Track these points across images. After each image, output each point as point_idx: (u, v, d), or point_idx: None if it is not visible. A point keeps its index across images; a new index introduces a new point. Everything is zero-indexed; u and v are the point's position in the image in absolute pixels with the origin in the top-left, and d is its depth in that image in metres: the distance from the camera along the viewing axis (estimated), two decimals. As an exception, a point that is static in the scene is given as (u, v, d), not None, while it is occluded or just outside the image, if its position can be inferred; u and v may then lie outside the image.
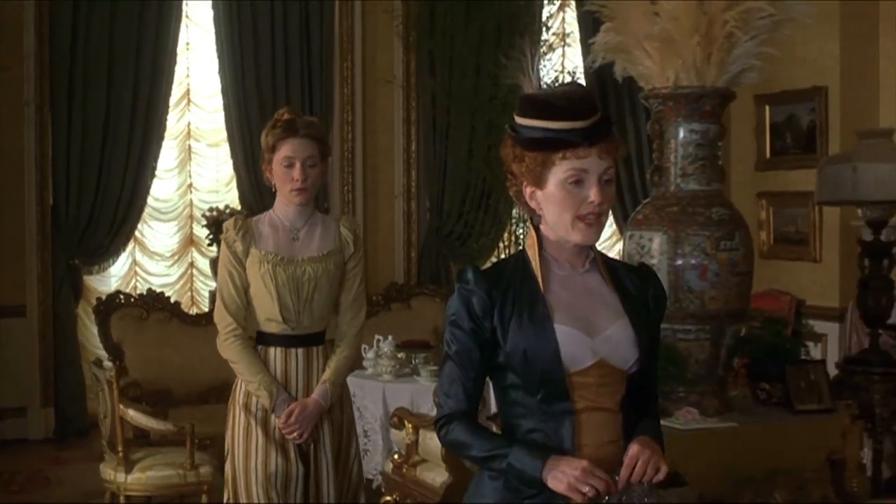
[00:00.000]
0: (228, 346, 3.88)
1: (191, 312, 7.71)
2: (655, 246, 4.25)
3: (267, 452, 3.83)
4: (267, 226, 3.94)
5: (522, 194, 2.47)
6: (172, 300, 7.47)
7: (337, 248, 3.99)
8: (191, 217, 8.99)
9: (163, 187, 8.89)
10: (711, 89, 4.25)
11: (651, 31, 4.23)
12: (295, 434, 3.82)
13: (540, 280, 2.45)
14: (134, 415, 5.31)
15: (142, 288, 8.47)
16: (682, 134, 4.32)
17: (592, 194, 2.37)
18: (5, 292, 8.01)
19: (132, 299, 7.19)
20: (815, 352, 5.69)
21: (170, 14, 8.46)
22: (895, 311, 5.96)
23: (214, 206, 8.46)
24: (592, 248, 2.52)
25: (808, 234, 7.85)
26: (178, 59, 8.65)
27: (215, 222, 8.18)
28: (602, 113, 2.41)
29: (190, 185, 9.05)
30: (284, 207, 3.95)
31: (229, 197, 8.87)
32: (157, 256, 8.96)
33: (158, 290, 7.65)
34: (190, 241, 9.00)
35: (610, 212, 2.51)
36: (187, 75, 8.93)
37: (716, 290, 4.19)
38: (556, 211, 2.41)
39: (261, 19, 8.64)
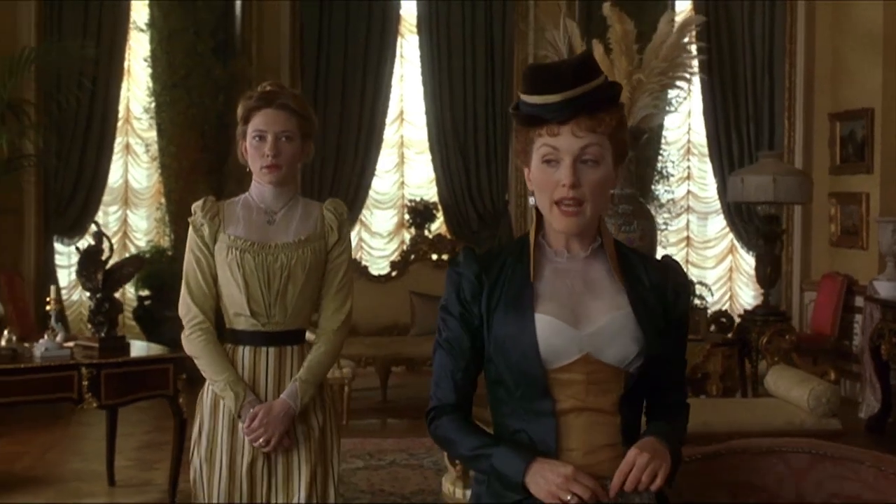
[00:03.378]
0: (192, 341, 3.43)
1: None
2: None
3: (232, 459, 3.41)
4: (240, 208, 3.48)
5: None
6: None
7: (317, 234, 3.46)
8: (403, 206, 11.75)
9: (382, 183, 11.69)
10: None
11: None
12: (261, 440, 3.34)
13: (531, 266, 2.26)
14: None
15: (367, 259, 11.45)
16: None
17: (563, 176, 2.17)
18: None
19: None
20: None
21: (388, 53, 11.33)
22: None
23: (418, 198, 11.34)
24: (601, 233, 2.30)
25: (859, 227, 9.71)
26: (394, 87, 11.41)
27: (414, 210, 11.11)
28: (598, 84, 2.18)
29: (402, 182, 11.80)
30: (259, 188, 3.49)
31: (431, 192, 11.64)
32: (377, 235, 11.89)
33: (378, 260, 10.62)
34: (402, 224, 11.83)
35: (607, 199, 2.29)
36: (401, 99, 11.66)
37: None
38: (537, 193, 2.25)
39: (455, 55, 11.22)
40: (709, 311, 7.25)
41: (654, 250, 6.64)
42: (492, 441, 2.26)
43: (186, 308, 3.45)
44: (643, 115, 6.57)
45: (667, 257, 2.43)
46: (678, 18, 7.11)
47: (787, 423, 5.67)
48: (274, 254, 3.40)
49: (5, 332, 5.63)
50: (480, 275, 2.29)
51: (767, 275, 7.62)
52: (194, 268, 3.45)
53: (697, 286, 7.86)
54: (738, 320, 7.91)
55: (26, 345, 5.73)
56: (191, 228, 3.49)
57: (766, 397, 6.24)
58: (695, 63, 6.45)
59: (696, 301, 6.77)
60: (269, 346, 3.43)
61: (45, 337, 5.58)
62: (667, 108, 6.54)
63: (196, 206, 3.50)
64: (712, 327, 7.30)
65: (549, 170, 2.20)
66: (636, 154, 6.77)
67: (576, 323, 2.21)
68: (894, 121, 9.40)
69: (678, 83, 6.55)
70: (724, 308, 10.46)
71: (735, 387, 7.11)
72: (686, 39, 6.56)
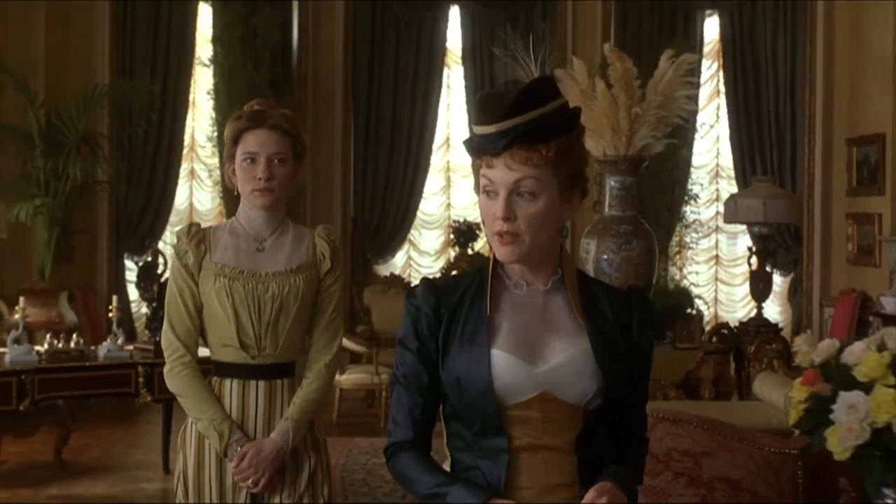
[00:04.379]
0: (175, 377, 3.25)
1: (420, 290, 11.37)
2: (591, 248, 7.37)
3: (222, 498, 3.24)
4: (227, 234, 3.31)
5: None
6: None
7: (310, 262, 3.31)
8: (449, 227, 12.57)
9: (429, 205, 12.48)
10: (625, 156, 7.24)
11: (588, 124, 7.31)
12: (249, 481, 3.18)
13: (488, 299, 2.21)
14: (346, 342, 9.11)
15: (415, 276, 12.25)
16: (611, 183, 7.31)
17: (498, 209, 2.12)
18: (321, 275, 12.04)
19: (380, 279, 11.03)
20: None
21: (435, 84, 12.11)
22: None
23: (461, 219, 12.15)
24: (562, 265, 2.25)
25: (873, 246, 10.28)
26: (441, 115, 12.19)
27: (458, 230, 11.91)
28: (540, 112, 2.10)
29: (448, 204, 12.61)
30: (248, 213, 3.31)
31: (475, 213, 12.41)
32: (425, 254, 12.68)
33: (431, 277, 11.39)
34: (448, 244, 12.60)
35: (539, 233, 2.17)
36: (447, 126, 12.43)
37: (619, 273, 7.21)
38: (484, 223, 2.21)
39: (497, 84, 12.07)
40: (705, 321, 7.96)
41: (653, 267, 7.31)
42: (448, 480, 2.19)
43: (168, 342, 3.26)
44: (643, 145, 7.26)
45: (633, 289, 2.37)
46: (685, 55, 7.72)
47: (764, 423, 6.29)
48: (265, 283, 3.24)
49: (74, 336, 6.51)
50: (438, 308, 2.22)
51: (759, 290, 8.27)
52: (177, 299, 3.26)
53: (696, 299, 8.55)
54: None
55: (93, 347, 6.62)
56: (173, 256, 3.33)
57: (754, 401, 6.87)
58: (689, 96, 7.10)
59: (692, 311, 7.48)
60: (258, 380, 3.25)
61: (108, 340, 6.47)
62: (665, 138, 7.19)
63: (180, 233, 3.33)
64: (714, 338, 7.98)
65: (488, 201, 2.15)
66: (638, 179, 7.44)
67: (533, 359, 2.16)
68: (905, 145, 9.96)
69: (677, 115, 7.22)
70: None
71: (729, 391, 7.75)
72: (682, 75, 7.24)
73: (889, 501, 2.53)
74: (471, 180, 11.03)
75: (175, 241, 3.33)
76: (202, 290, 3.24)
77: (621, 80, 7.14)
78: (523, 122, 2.09)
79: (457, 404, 2.21)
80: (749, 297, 11.85)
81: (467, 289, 2.26)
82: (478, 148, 2.15)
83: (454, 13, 12.18)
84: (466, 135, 2.24)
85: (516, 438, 2.16)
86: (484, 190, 2.16)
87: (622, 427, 2.27)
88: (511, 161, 2.10)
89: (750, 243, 11.58)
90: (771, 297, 11.64)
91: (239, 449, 3.19)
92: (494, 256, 2.23)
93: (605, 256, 7.28)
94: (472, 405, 2.17)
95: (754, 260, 8.31)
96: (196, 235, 3.28)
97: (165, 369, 3.28)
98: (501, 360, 2.15)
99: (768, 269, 8.49)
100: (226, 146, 3.30)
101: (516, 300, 2.23)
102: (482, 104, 2.17)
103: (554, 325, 2.21)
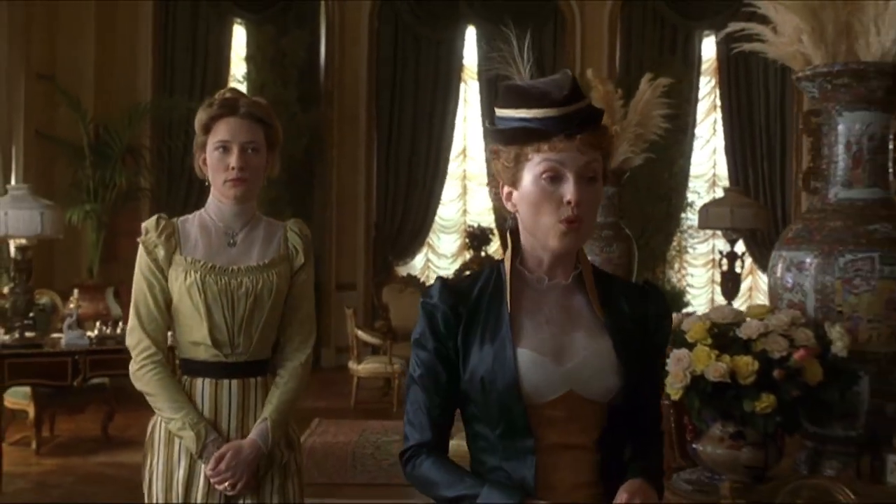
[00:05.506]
0: (144, 376, 3.06)
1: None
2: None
3: (187, 498, 3.08)
4: (196, 227, 3.16)
5: (500, 196, 2.16)
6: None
7: (282, 257, 3.18)
8: (465, 231, 13.38)
9: (447, 210, 13.37)
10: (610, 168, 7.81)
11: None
12: (226, 484, 3.04)
13: (508, 297, 2.13)
14: (361, 334, 10.05)
15: (432, 277, 13.18)
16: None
17: (569, 193, 2.02)
18: (345, 275, 13.03)
19: (398, 278, 11.99)
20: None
21: (452, 98, 13.02)
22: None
23: (476, 224, 13.07)
24: (580, 260, 2.17)
25: None
26: (458, 126, 13.12)
27: (472, 234, 12.83)
28: (586, 101, 2.07)
29: (465, 210, 13.52)
30: (218, 205, 3.16)
31: (490, 218, 13.32)
32: (443, 256, 13.57)
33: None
34: (464, 247, 13.51)
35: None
36: (464, 137, 13.37)
37: None
38: (532, 213, 2.07)
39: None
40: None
41: (632, 268, 8.17)
42: (476, 481, 2.09)
43: (137, 339, 3.08)
44: (623, 159, 8.14)
45: (647, 283, 2.29)
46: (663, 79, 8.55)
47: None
48: (238, 278, 3.09)
49: (120, 324, 7.48)
50: (456, 306, 2.14)
51: (729, 289, 9.12)
52: (145, 293, 3.09)
53: (689, 299, 9.43)
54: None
55: (135, 334, 7.60)
56: (141, 250, 3.13)
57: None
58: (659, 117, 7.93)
59: (684, 311, 8.26)
60: (231, 379, 3.09)
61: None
62: (644, 153, 8.02)
63: (148, 225, 3.15)
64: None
65: (549, 187, 2.04)
66: (619, 190, 8.31)
67: (558, 357, 2.08)
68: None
69: (654, 132, 8.07)
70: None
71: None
72: (659, 96, 8.09)
73: (714, 430, 3.45)
74: (485, 188, 11.89)
75: (143, 233, 3.14)
76: (172, 286, 3.08)
77: (603, 102, 8.03)
78: (585, 106, 2.07)
79: (480, 405, 2.11)
80: (744, 298, 12.75)
81: (484, 286, 2.18)
82: (535, 131, 2.05)
83: (470, 32, 13.14)
84: (497, 125, 2.14)
85: (543, 438, 2.09)
86: (546, 176, 2.05)
87: (640, 422, 2.19)
88: (581, 144, 2.04)
89: (744, 248, 12.49)
90: (763, 298, 12.52)
91: (215, 451, 3.04)
92: (512, 252, 2.18)
93: (590, 257, 8.10)
94: (498, 406, 2.08)
95: (725, 262, 9.17)
96: (165, 229, 3.12)
97: (133, 368, 3.09)
98: (528, 360, 2.07)
99: (738, 270, 9.31)
100: (196, 135, 3.15)
101: (537, 296, 2.16)
102: (530, 89, 2.07)
103: (575, 321, 2.14)
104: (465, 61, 13.21)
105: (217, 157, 3.09)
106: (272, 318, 3.16)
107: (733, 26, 3.76)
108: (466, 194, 13.60)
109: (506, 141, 2.10)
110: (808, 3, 3.41)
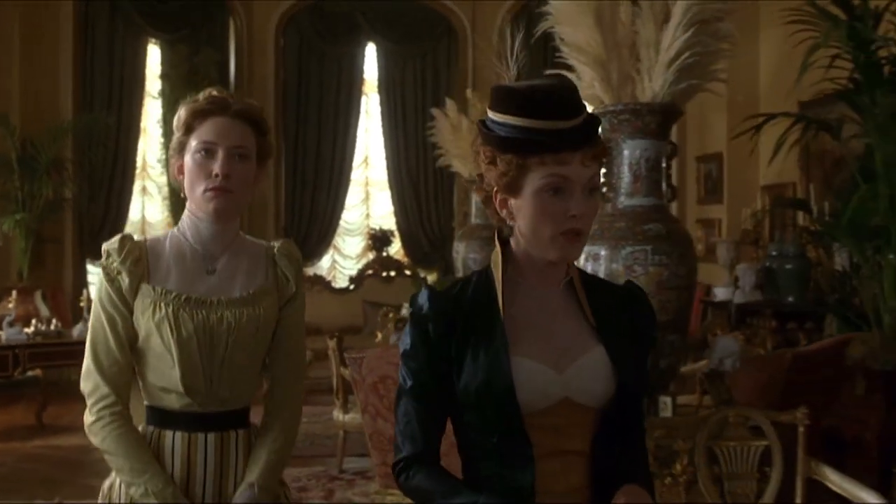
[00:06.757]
0: (101, 430, 2.53)
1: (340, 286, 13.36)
2: (461, 249, 9.31)
3: None
4: (168, 250, 2.62)
5: (492, 201, 2.10)
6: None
7: (270, 287, 2.65)
8: (368, 233, 14.36)
9: (351, 215, 14.32)
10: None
11: (457, 151, 9.24)
12: None
13: (501, 304, 2.08)
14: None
15: (340, 276, 14.22)
16: (475, 198, 9.10)
17: (574, 206, 2.01)
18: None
19: (305, 278, 12.99)
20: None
21: (354, 109, 13.99)
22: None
23: (378, 227, 14.12)
24: (569, 266, 2.16)
25: (715, 246, 12.36)
26: (360, 136, 14.12)
27: (374, 237, 13.88)
28: (588, 113, 2.03)
29: (368, 214, 14.45)
30: (195, 223, 2.61)
31: (391, 221, 14.31)
32: (348, 257, 14.48)
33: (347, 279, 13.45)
34: (368, 248, 14.50)
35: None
36: (366, 147, 14.36)
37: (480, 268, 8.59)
38: (532, 224, 2.04)
39: (408, 109, 13.96)
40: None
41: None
42: (472, 493, 2.06)
43: (93, 385, 2.56)
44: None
45: (631, 284, 2.29)
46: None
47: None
48: (217, 312, 2.57)
49: (53, 321, 8.42)
50: (447, 314, 2.09)
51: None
52: (105, 330, 2.55)
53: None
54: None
55: (65, 330, 8.53)
56: (102, 277, 2.60)
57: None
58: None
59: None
60: (207, 432, 2.58)
61: (81, 323, 8.39)
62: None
63: (109, 247, 2.59)
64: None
65: (553, 199, 2.00)
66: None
67: (554, 364, 2.07)
68: (736, 162, 12.04)
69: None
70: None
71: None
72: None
73: (663, 403, 4.39)
74: (385, 193, 13.13)
75: (104, 258, 2.58)
76: (138, 322, 2.55)
77: (480, 117, 9.14)
78: (588, 119, 2.04)
79: (477, 414, 2.07)
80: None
81: (475, 294, 2.13)
82: (543, 143, 1.99)
83: (370, 49, 14.16)
84: (490, 130, 2.06)
85: (539, 445, 2.06)
86: (551, 188, 2.01)
87: (626, 423, 2.17)
88: (587, 157, 2.01)
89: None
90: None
91: None
92: (502, 259, 2.13)
93: (472, 256, 9.20)
94: (495, 414, 2.05)
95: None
96: (131, 252, 2.58)
97: (88, 420, 2.57)
98: (523, 367, 2.04)
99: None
100: (175, 136, 2.64)
101: (528, 303, 2.12)
102: (536, 97, 2.00)
103: (568, 327, 2.12)
104: (365, 75, 14.20)
105: (198, 160, 2.55)
106: (255, 360, 2.64)
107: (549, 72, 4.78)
108: (369, 199, 14.60)
109: (504, 148, 2.02)
110: (599, 57, 4.52)
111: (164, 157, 12.88)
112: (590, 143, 2.01)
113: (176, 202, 12.62)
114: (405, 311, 9.50)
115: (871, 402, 4.35)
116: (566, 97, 2.01)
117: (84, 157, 12.25)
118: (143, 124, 13.15)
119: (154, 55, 13.16)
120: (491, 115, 2.04)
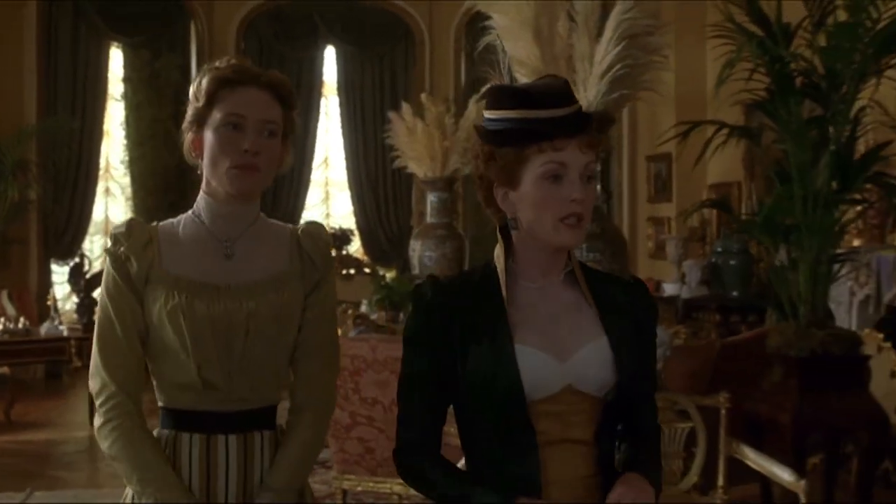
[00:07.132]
0: (110, 433, 2.30)
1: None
2: (417, 247, 9.53)
3: None
4: (182, 234, 2.39)
5: (493, 198, 2.13)
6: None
7: (294, 271, 2.41)
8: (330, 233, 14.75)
9: (312, 214, 14.44)
10: (441, 177, 9.10)
11: (412, 153, 9.43)
12: None
13: (504, 294, 2.12)
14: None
15: (301, 274, 14.41)
16: (431, 198, 9.22)
17: (574, 191, 2.04)
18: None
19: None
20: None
21: (314, 111, 14.24)
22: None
23: (338, 226, 14.43)
24: (571, 257, 2.19)
25: (664, 244, 12.76)
26: (319, 138, 14.43)
27: (334, 235, 14.15)
28: (580, 105, 2.10)
29: (328, 213, 14.74)
30: (212, 205, 2.38)
31: (351, 221, 14.60)
32: (309, 255, 14.85)
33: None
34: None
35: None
36: (326, 148, 14.67)
37: (436, 266, 8.86)
38: (533, 212, 2.07)
39: (367, 111, 14.26)
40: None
41: (464, 262, 9.57)
42: (470, 482, 2.09)
43: (100, 383, 2.32)
44: (454, 169, 9.52)
45: (633, 277, 2.31)
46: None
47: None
48: (236, 300, 2.33)
49: (21, 320, 8.70)
50: (450, 303, 2.12)
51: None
52: (112, 322, 2.34)
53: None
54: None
55: (32, 328, 8.82)
56: (109, 264, 2.38)
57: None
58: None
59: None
60: (228, 434, 2.35)
61: (48, 322, 8.67)
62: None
63: (117, 232, 2.38)
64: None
65: (552, 186, 2.05)
66: (452, 195, 9.70)
67: (556, 353, 2.09)
68: (684, 162, 12.41)
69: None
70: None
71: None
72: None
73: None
74: (345, 193, 13.52)
75: (111, 244, 2.38)
76: (148, 311, 2.33)
77: (435, 121, 9.41)
78: (582, 107, 2.11)
79: (480, 402, 2.10)
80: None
81: (478, 284, 2.16)
82: (539, 132, 2.04)
83: (329, 52, 14.45)
84: (486, 125, 2.11)
85: (543, 433, 2.09)
86: (549, 175, 2.05)
87: (636, 416, 2.21)
88: (583, 144, 2.06)
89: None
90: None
91: None
92: (505, 250, 2.16)
93: (427, 253, 9.41)
94: (498, 403, 2.07)
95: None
96: (140, 236, 2.36)
97: (96, 423, 2.34)
98: (527, 356, 2.07)
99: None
100: (193, 108, 2.36)
101: (531, 293, 2.15)
102: (530, 90, 2.09)
103: (571, 317, 2.14)
104: (325, 77, 14.48)
105: (225, 135, 2.31)
106: (281, 352, 2.40)
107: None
108: (329, 199, 14.90)
109: (502, 142, 2.06)
110: (538, 69, 4.86)
111: (127, 158, 13.16)
112: (584, 129, 2.07)
113: (138, 203, 12.89)
114: (364, 308, 9.80)
115: (786, 387, 4.69)
116: (559, 88, 2.08)
117: (48, 159, 12.45)
118: (106, 127, 13.36)
119: (117, 58, 13.38)
120: (488, 114, 2.10)
